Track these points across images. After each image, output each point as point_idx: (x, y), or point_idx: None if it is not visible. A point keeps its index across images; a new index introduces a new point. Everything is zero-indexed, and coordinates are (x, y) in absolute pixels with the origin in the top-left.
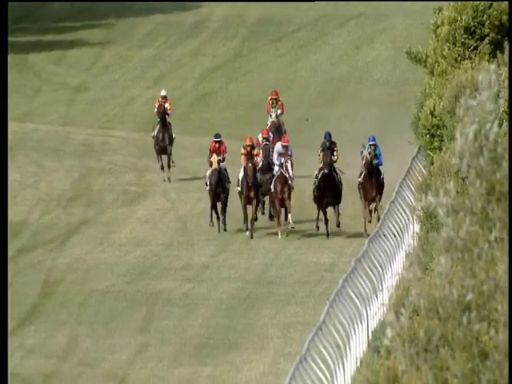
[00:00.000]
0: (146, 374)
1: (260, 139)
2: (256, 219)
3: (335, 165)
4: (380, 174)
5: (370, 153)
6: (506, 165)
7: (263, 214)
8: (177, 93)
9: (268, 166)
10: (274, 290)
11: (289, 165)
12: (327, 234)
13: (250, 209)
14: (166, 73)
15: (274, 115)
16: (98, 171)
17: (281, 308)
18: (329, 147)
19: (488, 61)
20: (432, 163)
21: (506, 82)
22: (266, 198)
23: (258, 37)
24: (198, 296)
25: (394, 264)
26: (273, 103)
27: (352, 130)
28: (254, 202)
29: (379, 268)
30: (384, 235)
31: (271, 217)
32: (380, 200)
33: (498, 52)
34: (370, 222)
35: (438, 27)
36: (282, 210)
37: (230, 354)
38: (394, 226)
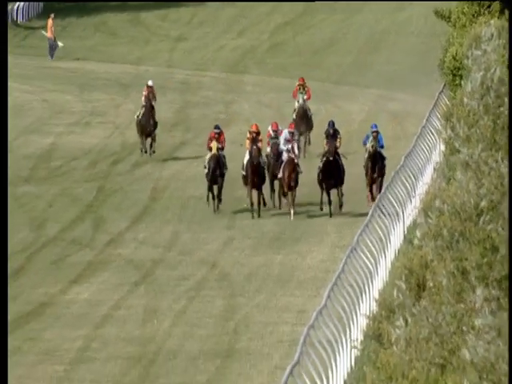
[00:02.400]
0: (231, 261)
1: (270, 131)
2: (265, 204)
3: (339, 151)
4: (383, 158)
5: (372, 146)
6: (507, 100)
7: (274, 205)
8: (255, 42)
9: (278, 155)
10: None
11: (295, 146)
12: (330, 214)
13: (255, 194)
14: (246, 27)
15: (301, 100)
16: (194, 104)
17: (336, 210)
18: (333, 135)
19: (498, 17)
20: (454, 97)
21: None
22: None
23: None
24: (271, 202)
25: (424, 175)
26: (300, 89)
27: (391, 72)
28: (260, 188)
29: (413, 178)
30: (417, 153)
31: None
32: (382, 182)
33: (505, 10)
34: (367, 199)
35: None
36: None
37: (297, 245)
38: (424, 146)
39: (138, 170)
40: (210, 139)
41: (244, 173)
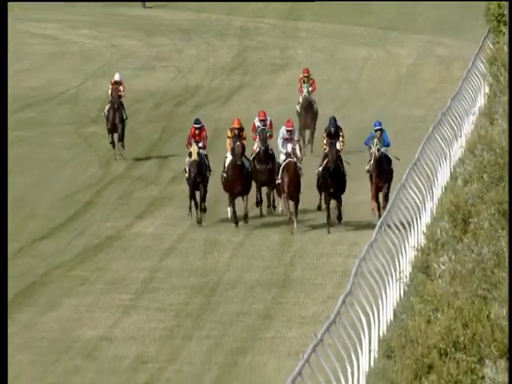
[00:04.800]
0: None
1: (257, 123)
2: (247, 217)
3: (341, 154)
4: (390, 161)
5: (378, 149)
6: None
7: (261, 214)
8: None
9: (266, 154)
10: None
11: (297, 148)
12: (328, 230)
13: (238, 203)
14: None
15: (305, 91)
16: (251, 48)
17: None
18: (334, 134)
19: None
20: (498, 42)
21: None
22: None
23: None
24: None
25: (470, 116)
26: (304, 81)
27: (439, 17)
28: (246, 195)
29: (459, 119)
30: (463, 95)
31: (257, 204)
32: (389, 188)
33: None
34: (373, 210)
35: None
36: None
37: (348, 183)
38: (469, 89)
39: (199, 111)
40: (190, 137)
41: (225, 175)
